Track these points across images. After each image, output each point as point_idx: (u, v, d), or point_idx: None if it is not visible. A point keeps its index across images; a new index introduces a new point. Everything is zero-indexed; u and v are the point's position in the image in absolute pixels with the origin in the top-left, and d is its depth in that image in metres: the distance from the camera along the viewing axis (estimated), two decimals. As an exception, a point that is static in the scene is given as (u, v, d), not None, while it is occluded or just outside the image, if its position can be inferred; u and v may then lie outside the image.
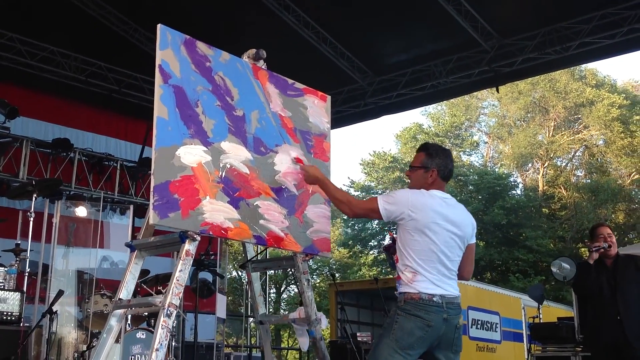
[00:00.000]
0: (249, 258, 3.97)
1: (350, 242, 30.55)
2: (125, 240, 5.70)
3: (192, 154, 3.59)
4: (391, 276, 26.47)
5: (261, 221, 3.83)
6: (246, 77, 4.08)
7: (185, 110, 3.63)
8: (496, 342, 12.55)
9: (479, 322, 12.04)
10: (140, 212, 8.75)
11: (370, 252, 30.89)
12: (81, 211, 7.90)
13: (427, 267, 3.35)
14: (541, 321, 10.47)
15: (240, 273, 29.11)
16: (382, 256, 30.17)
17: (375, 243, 30.08)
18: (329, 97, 4.61)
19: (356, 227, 30.71)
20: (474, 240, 3.65)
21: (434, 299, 3.30)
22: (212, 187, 3.64)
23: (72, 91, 10.88)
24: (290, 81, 4.37)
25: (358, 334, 10.39)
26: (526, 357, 11.73)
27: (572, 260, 10.75)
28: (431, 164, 3.55)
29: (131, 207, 8.58)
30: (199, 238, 3.47)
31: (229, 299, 23.46)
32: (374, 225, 29.70)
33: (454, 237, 3.45)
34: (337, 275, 26.81)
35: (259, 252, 7.78)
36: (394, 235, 3.59)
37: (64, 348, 6.58)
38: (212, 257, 8.93)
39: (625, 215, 27.13)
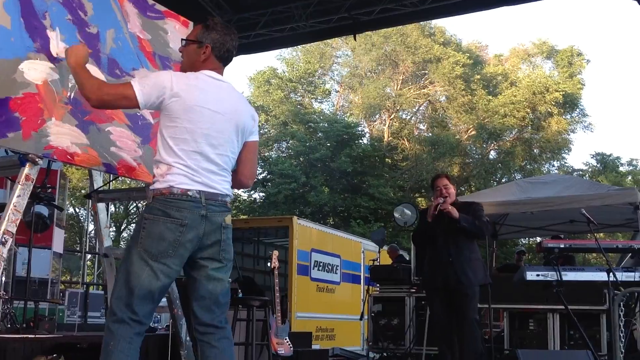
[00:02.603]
0: (95, 187, 3.73)
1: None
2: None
3: (37, 70, 3.27)
4: (244, 216, 26.54)
5: (112, 148, 3.58)
6: (102, -9, 3.76)
7: (31, 21, 3.29)
8: (336, 283, 12.99)
9: (321, 264, 12.38)
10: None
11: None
12: None
13: (186, 159, 2.81)
14: (380, 264, 10.99)
15: (78, 209, 27.91)
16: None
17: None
18: (191, 23, 4.39)
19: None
20: (255, 138, 3.15)
21: (189, 193, 2.77)
22: (59, 108, 3.35)
23: None
24: (150, 1, 4.09)
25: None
26: (362, 297, 12.32)
27: (414, 207, 11.33)
28: (206, 38, 2.98)
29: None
30: (41, 162, 3.19)
31: (66, 236, 22.42)
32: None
33: (226, 127, 2.92)
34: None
35: (110, 180, 7.42)
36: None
37: None
38: (50, 191, 8.43)
39: (460, 168, 28.89)
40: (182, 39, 3.12)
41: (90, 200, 4.01)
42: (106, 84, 2.92)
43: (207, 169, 2.85)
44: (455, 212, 5.51)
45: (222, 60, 3.04)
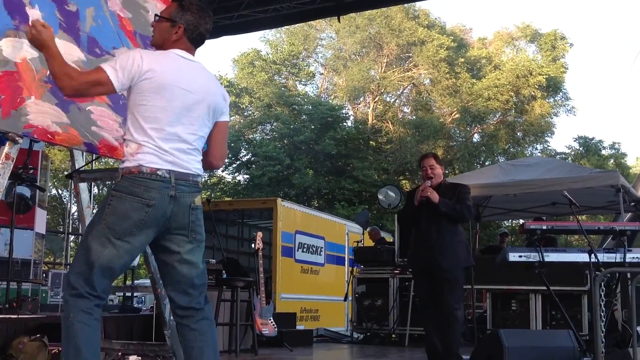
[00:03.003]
0: (77, 167, 3.69)
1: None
2: None
3: (15, 48, 3.21)
4: (228, 198, 26.48)
5: (93, 128, 3.53)
6: (81, -31, 3.69)
7: (10, -2, 3.23)
8: (320, 265, 13.03)
9: (305, 246, 12.40)
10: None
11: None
12: None
13: (156, 138, 2.76)
14: (364, 245, 11.03)
15: (60, 191, 27.72)
16: (213, 180, 30.05)
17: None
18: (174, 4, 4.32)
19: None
20: (226, 118, 3.07)
21: (159, 172, 2.73)
22: (39, 87, 3.29)
23: None
24: (131, -21, 4.04)
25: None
26: (346, 278, 12.38)
27: (398, 189, 11.35)
28: (180, 18, 2.93)
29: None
30: (21, 141, 3.14)
31: (48, 218, 22.28)
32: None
33: (197, 107, 2.87)
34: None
35: (92, 159, 7.35)
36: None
37: None
38: (32, 172, 8.35)
39: (444, 151, 28.97)
40: (155, 15, 3.06)
41: (72, 181, 3.97)
42: (78, 72, 2.82)
43: (178, 148, 2.81)
44: (435, 197, 5.48)
45: (193, 42, 2.99)
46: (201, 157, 2.96)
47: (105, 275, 2.67)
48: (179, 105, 2.81)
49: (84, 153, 3.71)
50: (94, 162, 8.18)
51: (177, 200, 2.76)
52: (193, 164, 2.87)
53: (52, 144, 3.32)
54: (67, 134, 3.39)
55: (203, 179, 3.07)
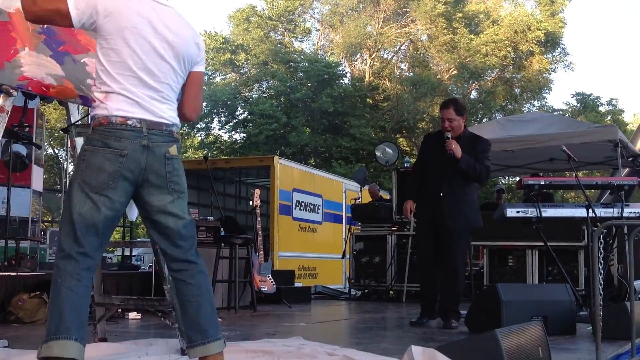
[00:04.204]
0: (72, 121, 3.64)
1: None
2: None
3: (8, -2, 3.13)
4: (223, 157, 26.39)
5: (88, 80, 3.43)
6: None
7: (0, -54, 3.13)
8: (317, 222, 13.07)
9: (303, 204, 12.42)
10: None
11: (197, 135, 30.50)
12: None
13: (124, 84, 2.64)
14: (361, 203, 11.04)
15: (57, 150, 27.63)
16: (209, 138, 29.94)
17: (203, 125, 29.67)
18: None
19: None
20: (200, 69, 2.92)
21: (129, 122, 2.62)
22: (33, 38, 3.21)
23: None
24: None
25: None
26: (344, 236, 12.43)
27: (395, 145, 11.31)
28: None
29: None
30: (15, 93, 3.07)
31: (45, 177, 22.25)
32: (204, 109, 29.19)
33: (165, 53, 2.72)
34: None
35: (88, 113, 7.26)
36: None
37: None
38: (27, 130, 8.29)
39: (441, 108, 28.79)
40: None
41: (68, 136, 3.91)
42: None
43: (149, 95, 2.69)
44: (458, 152, 5.36)
45: None
46: (175, 106, 2.85)
47: (90, 232, 2.60)
48: (146, 50, 2.67)
49: (80, 107, 3.64)
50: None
51: (150, 150, 2.67)
52: (167, 113, 2.76)
53: (47, 96, 3.26)
54: (62, 86, 3.32)
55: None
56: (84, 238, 2.59)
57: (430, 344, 2.84)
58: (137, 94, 2.66)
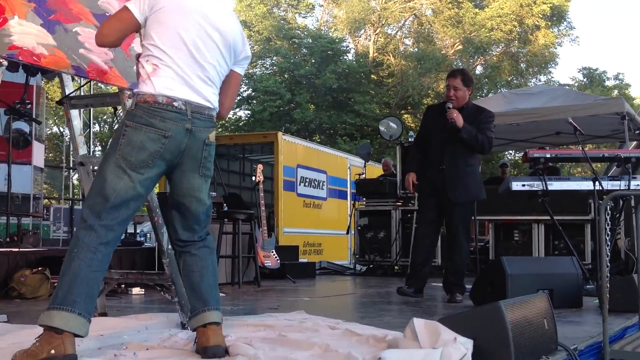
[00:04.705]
0: (67, 93, 3.56)
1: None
2: None
3: (-4, -36, 3.03)
4: (227, 134, 26.29)
5: (81, 50, 3.36)
6: None
7: None
8: (322, 199, 13.02)
9: (307, 180, 12.36)
10: None
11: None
12: None
13: (174, 58, 2.64)
14: (366, 178, 10.97)
15: (61, 129, 27.58)
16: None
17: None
18: None
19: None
20: (241, 71, 2.99)
21: (175, 103, 2.61)
22: (22, 6, 3.11)
23: None
24: None
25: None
26: (349, 212, 12.38)
27: (399, 120, 11.21)
28: None
29: None
30: (5, 63, 3.00)
31: (49, 155, 22.25)
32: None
33: (214, 36, 2.74)
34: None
35: (81, 85, 7.18)
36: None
37: None
38: (29, 107, 8.25)
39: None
40: None
41: (63, 107, 3.84)
42: (105, 22, 2.74)
43: (196, 73, 2.69)
44: (460, 121, 5.27)
45: None
46: (218, 91, 2.84)
47: (121, 207, 2.58)
48: (198, 30, 2.69)
49: (75, 77, 3.56)
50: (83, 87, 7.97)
51: (192, 134, 2.68)
52: (211, 97, 2.77)
53: (38, 66, 3.18)
54: (54, 56, 3.23)
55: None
56: (113, 212, 2.57)
57: (434, 318, 2.78)
58: (185, 70, 2.65)
